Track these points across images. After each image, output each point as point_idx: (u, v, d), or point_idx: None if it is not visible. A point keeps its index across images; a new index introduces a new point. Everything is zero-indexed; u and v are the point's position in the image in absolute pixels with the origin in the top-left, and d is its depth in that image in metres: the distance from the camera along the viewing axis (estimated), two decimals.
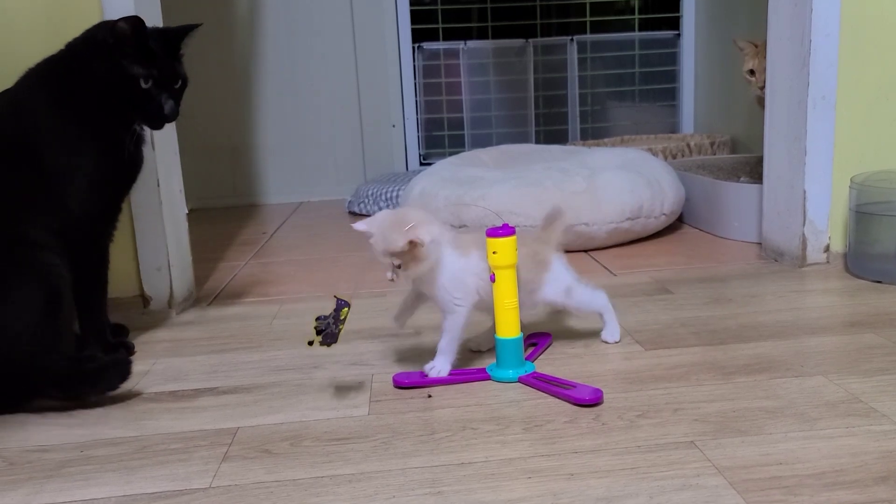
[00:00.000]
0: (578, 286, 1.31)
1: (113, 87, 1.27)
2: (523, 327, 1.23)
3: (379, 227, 1.15)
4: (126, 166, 1.35)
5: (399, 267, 1.14)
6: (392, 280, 1.15)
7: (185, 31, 1.35)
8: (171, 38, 1.33)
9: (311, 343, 1.12)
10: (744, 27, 2.84)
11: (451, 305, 1.20)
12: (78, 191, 1.30)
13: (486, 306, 1.23)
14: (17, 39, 1.57)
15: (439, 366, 1.22)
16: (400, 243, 1.11)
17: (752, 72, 2.08)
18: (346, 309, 1.13)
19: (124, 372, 1.23)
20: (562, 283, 1.30)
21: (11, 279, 1.20)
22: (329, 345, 1.12)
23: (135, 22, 1.26)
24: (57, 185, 1.28)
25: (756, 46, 2.07)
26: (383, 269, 1.16)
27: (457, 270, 1.19)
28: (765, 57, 2.01)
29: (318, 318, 1.12)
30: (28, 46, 1.36)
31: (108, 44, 1.26)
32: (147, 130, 1.39)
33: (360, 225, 1.17)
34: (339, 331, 1.12)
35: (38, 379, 1.20)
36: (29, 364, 1.19)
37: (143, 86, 1.27)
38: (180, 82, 1.34)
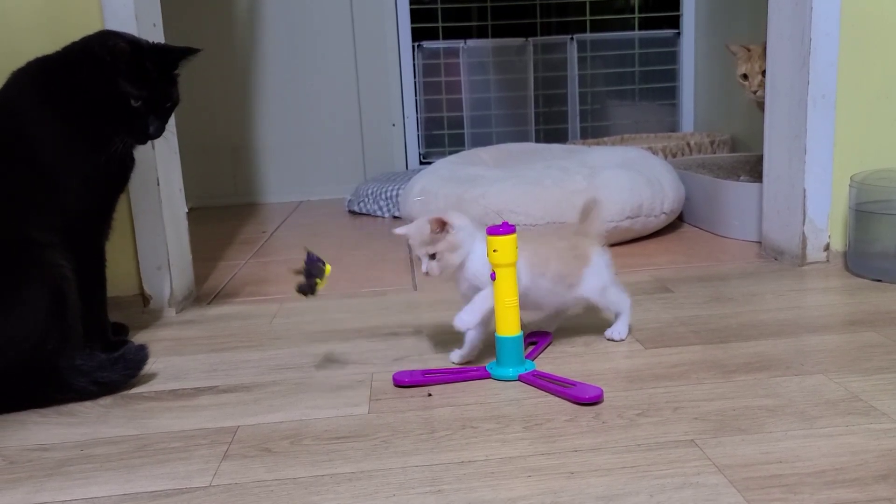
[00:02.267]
0: (613, 287, 1.34)
1: (103, 102, 1.28)
2: (523, 326, 1.24)
3: (416, 226, 1.24)
4: (116, 166, 1.35)
5: (434, 258, 1.21)
6: (427, 274, 1.22)
7: (184, 53, 1.35)
8: (168, 58, 1.34)
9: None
10: (744, 26, 2.85)
11: (484, 281, 1.22)
12: (73, 189, 1.30)
13: (526, 301, 1.25)
14: (16, 39, 1.58)
15: (464, 315, 1.23)
16: (432, 226, 1.21)
17: (745, 76, 2.07)
18: (321, 265, 1.22)
19: (143, 356, 1.29)
20: (599, 281, 1.32)
21: (21, 279, 1.21)
22: (306, 294, 1.22)
23: (133, 42, 1.28)
24: (54, 183, 1.28)
25: (749, 50, 2.05)
26: (421, 264, 1.23)
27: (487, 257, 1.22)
28: (757, 61, 2.00)
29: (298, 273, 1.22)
30: (28, 46, 1.35)
31: (105, 60, 1.26)
32: None
33: (399, 230, 1.26)
34: (317, 284, 1.22)
35: (66, 373, 1.21)
36: (51, 359, 1.21)
37: (133, 104, 1.28)
38: (170, 103, 1.35)
